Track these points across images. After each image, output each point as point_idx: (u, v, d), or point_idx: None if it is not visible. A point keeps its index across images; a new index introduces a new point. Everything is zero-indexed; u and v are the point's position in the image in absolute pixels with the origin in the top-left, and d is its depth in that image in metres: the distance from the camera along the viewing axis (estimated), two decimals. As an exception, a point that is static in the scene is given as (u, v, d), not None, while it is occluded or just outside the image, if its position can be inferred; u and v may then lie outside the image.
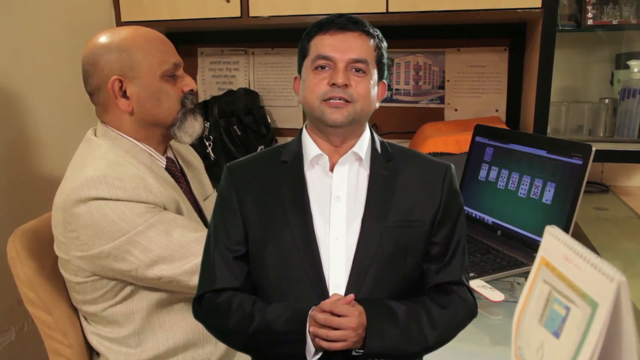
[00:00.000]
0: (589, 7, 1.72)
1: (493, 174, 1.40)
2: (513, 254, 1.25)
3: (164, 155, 1.20)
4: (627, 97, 1.72)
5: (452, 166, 0.91)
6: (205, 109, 1.95)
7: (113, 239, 1.02)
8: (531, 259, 1.19)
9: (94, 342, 1.17)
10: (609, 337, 0.43)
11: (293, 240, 0.85)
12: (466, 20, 1.80)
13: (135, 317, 1.13)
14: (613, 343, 0.44)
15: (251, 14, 1.77)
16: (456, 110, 2.02)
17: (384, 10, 1.66)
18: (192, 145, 1.32)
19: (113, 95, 1.11)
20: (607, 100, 1.81)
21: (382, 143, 0.91)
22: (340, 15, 0.86)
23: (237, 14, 1.78)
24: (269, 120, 2.13)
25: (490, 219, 1.38)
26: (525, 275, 1.03)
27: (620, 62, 1.80)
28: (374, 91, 0.87)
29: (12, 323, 1.58)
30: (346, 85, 0.83)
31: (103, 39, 1.12)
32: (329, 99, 0.83)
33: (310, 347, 0.81)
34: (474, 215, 1.43)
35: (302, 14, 1.72)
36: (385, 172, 0.88)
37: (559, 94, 1.83)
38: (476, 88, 1.99)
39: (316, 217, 0.86)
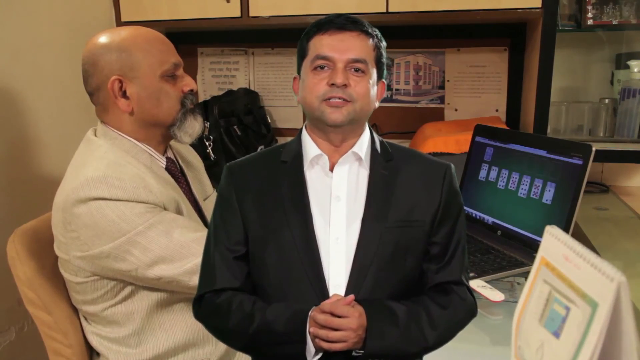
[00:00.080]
0: (589, 7, 1.72)
1: (493, 174, 1.40)
2: (513, 254, 1.25)
3: (164, 155, 1.20)
4: (627, 97, 1.72)
5: (452, 166, 0.91)
6: (205, 109, 1.95)
7: (113, 239, 1.02)
8: (531, 259, 1.19)
9: (94, 342, 1.17)
10: (609, 337, 0.43)
11: (293, 240, 0.85)
12: (466, 20, 1.80)
13: (135, 317, 1.13)
14: (613, 343, 0.44)
15: (251, 14, 1.77)
16: (456, 110, 2.02)
17: (384, 10, 1.66)
18: (192, 145, 1.32)
19: (113, 95, 1.11)
20: (607, 100, 1.81)
21: (381, 143, 0.91)
22: (339, 15, 0.86)
23: (237, 14, 1.78)
24: (269, 120, 2.13)
25: (490, 219, 1.38)
26: (525, 275, 1.03)
27: (620, 62, 1.80)
28: (374, 91, 0.87)
29: (12, 323, 1.58)
30: (345, 85, 0.83)
31: (103, 39, 1.12)
32: (329, 98, 0.83)
33: (310, 348, 0.81)
34: (474, 215, 1.43)
35: (302, 14, 1.72)
36: (385, 172, 0.88)
37: (559, 94, 1.83)
38: (476, 88, 1.99)
39: (316, 217, 0.86)
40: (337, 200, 0.86)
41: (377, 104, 0.90)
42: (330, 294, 0.84)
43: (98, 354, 1.19)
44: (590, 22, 1.72)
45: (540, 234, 0.56)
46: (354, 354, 0.82)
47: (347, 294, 0.83)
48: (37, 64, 1.68)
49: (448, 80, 2.02)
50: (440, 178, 0.89)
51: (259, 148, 1.97)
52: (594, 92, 1.87)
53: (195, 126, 1.18)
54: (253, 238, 0.87)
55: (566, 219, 1.17)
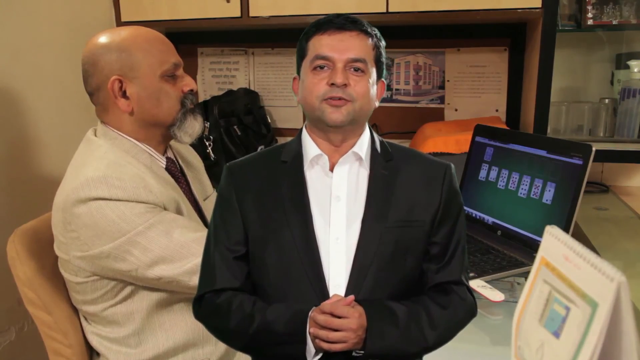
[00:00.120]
0: (589, 7, 1.72)
1: (493, 174, 1.40)
2: (513, 254, 1.25)
3: (164, 155, 1.20)
4: (627, 97, 1.72)
5: (452, 166, 0.91)
6: (205, 109, 1.95)
7: (113, 239, 1.02)
8: (531, 259, 1.19)
9: (94, 342, 1.17)
10: (609, 337, 0.43)
11: (293, 240, 0.85)
12: (466, 20, 1.80)
13: (135, 317, 1.13)
14: (613, 343, 0.44)
15: (251, 14, 1.77)
16: (456, 110, 2.02)
17: (384, 10, 1.66)
18: (192, 145, 1.32)
19: (113, 95, 1.11)
20: (607, 100, 1.81)
21: (381, 143, 0.91)
22: (338, 15, 0.86)
23: (237, 14, 1.78)
24: (269, 120, 2.13)
25: (490, 219, 1.38)
26: (525, 275, 1.03)
27: (621, 62, 1.80)
28: (373, 90, 0.87)
29: (12, 323, 1.58)
30: (345, 85, 0.83)
31: (103, 39, 1.12)
32: (329, 98, 0.83)
33: (310, 348, 0.81)
34: (474, 215, 1.43)
35: (302, 14, 1.72)
36: (385, 171, 0.88)
37: (559, 94, 1.83)
38: (476, 88, 1.99)
39: (316, 217, 0.86)
40: (337, 200, 0.86)
41: (377, 104, 0.90)
42: (330, 294, 0.84)
43: (98, 354, 1.19)
44: (590, 22, 1.72)
45: (540, 234, 0.56)
46: (354, 354, 0.82)
47: (347, 294, 0.83)
48: (37, 64, 1.68)
49: (448, 80, 2.02)
50: (440, 178, 0.89)
51: (259, 148, 1.97)
52: (594, 92, 1.87)
53: (195, 126, 1.18)
54: (253, 238, 0.87)
55: (566, 219, 1.17)
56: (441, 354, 0.87)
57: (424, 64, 2.03)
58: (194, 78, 2.22)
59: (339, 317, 0.79)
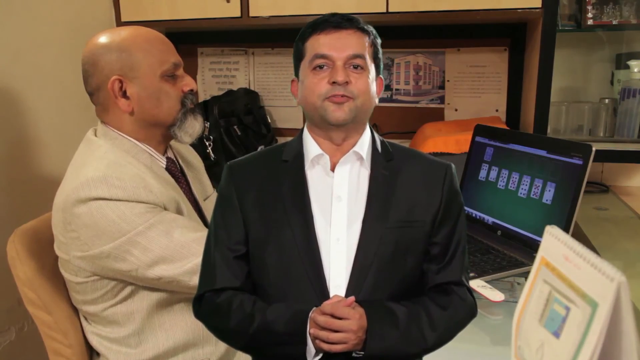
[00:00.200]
0: (589, 7, 1.72)
1: (493, 174, 1.40)
2: (513, 254, 1.25)
3: (164, 155, 1.20)
4: (627, 97, 1.72)
5: (453, 166, 0.91)
6: (205, 109, 1.95)
7: (113, 239, 1.02)
8: (531, 259, 1.19)
9: (94, 342, 1.17)
10: (609, 337, 0.43)
11: (294, 240, 0.85)
12: (466, 20, 1.80)
13: (135, 317, 1.13)
14: (613, 343, 0.44)
15: (251, 14, 1.77)
16: (456, 110, 2.02)
17: (384, 10, 1.66)
18: (192, 145, 1.32)
19: (113, 95, 1.11)
20: (607, 100, 1.81)
21: (382, 142, 0.91)
22: (334, 15, 0.86)
23: (237, 14, 1.78)
24: (269, 120, 2.13)
25: (490, 219, 1.38)
26: (525, 275, 1.03)
27: (621, 62, 1.80)
28: (373, 87, 0.87)
29: (12, 323, 1.58)
30: (347, 83, 0.83)
31: (103, 39, 1.12)
32: (331, 97, 0.83)
33: (310, 349, 0.81)
34: (474, 215, 1.43)
35: (302, 14, 1.72)
36: (385, 172, 0.88)
37: (559, 94, 1.83)
38: (476, 88, 1.99)
39: (317, 218, 0.86)
40: (339, 200, 0.86)
41: (376, 100, 0.90)
42: (331, 294, 0.84)
43: (98, 354, 1.19)
44: (590, 22, 1.72)
45: (540, 234, 0.56)
46: (354, 355, 0.82)
47: (347, 294, 0.83)
48: (37, 64, 1.68)
49: (448, 80, 2.02)
50: (441, 178, 0.89)
51: (259, 148, 1.96)
52: (594, 92, 1.87)
53: (195, 126, 1.18)
54: (253, 237, 0.87)
55: (566, 219, 1.17)
56: (441, 354, 0.87)
57: (424, 64, 2.03)
58: (194, 78, 2.21)
59: (340, 318, 0.79)
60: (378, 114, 2.05)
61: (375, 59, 0.88)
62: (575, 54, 1.87)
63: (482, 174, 1.44)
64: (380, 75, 0.91)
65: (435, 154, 1.60)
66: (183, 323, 1.15)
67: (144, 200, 1.04)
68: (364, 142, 0.88)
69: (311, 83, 0.85)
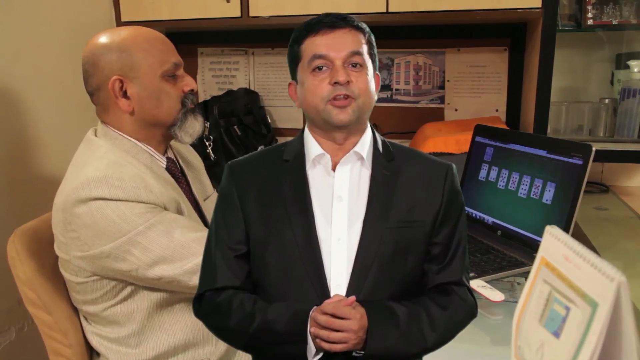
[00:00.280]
0: (589, 7, 1.72)
1: (493, 174, 1.40)
2: (513, 254, 1.25)
3: (164, 155, 1.20)
4: (627, 97, 1.72)
5: (454, 166, 0.91)
6: (205, 109, 1.95)
7: (113, 239, 1.02)
8: (531, 259, 1.19)
9: (94, 342, 1.17)
10: (609, 337, 0.43)
11: (294, 240, 0.85)
12: (466, 20, 1.80)
13: (135, 317, 1.13)
14: (613, 343, 0.44)
15: (251, 14, 1.77)
16: (456, 110, 2.02)
17: (384, 10, 1.66)
18: (192, 145, 1.32)
19: (113, 95, 1.11)
20: (607, 100, 1.81)
21: (383, 142, 0.91)
22: (327, 15, 0.86)
23: (237, 14, 1.78)
24: (269, 120, 2.13)
25: (490, 219, 1.38)
26: (525, 275, 1.03)
27: (621, 62, 1.80)
28: (372, 84, 0.87)
29: (12, 323, 1.58)
30: (348, 82, 0.83)
31: (103, 39, 1.12)
32: (333, 98, 0.83)
33: (311, 348, 0.81)
34: (474, 215, 1.43)
35: (302, 14, 1.72)
36: (386, 172, 0.88)
37: (559, 94, 1.83)
38: (476, 88, 1.99)
39: (318, 217, 0.86)
40: (339, 200, 0.86)
41: (376, 97, 0.90)
42: (331, 294, 0.84)
43: (98, 354, 1.19)
44: (590, 22, 1.72)
45: (540, 234, 0.56)
46: (354, 354, 0.82)
47: (348, 294, 0.83)
48: (37, 64, 1.68)
49: (448, 80, 2.02)
50: (442, 178, 0.89)
51: (259, 148, 1.96)
52: (594, 92, 1.87)
53: (195, 126, 1.18)
54: (254, 237, 0.87)
55: (566, 219, 1.17)
56: (441, 354, 0.87)
57: (424, 64, 2.03)
58: (194, 78, 2.21)
59: (341, 318, 0.79)
60: (378, 114, 2.06)
61: (372, 56, 0.88)
62: (575, 54, 1.87)
63: (482, 174, 1.44)
64: (377, 72, 0.91)
65: (435, 154, 1.60)
66: (183, 323, 1.15)
67: (144, 200, 1.04)
68: (365, 142, 0.88)
69: (312, 85, 0.85)
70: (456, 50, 1.99)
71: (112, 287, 1.10)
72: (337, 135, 0.87)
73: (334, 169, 0.87)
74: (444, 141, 1.65)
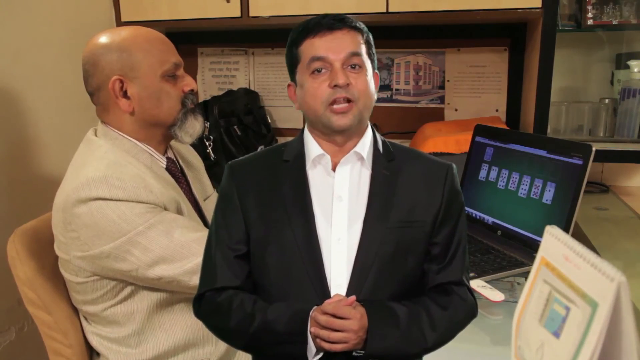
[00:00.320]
0: (589, 7, 1.72)
1: (493, 174, 1.40)
2: (513, 254, 1.25)
3: (164, 155, 1.20)
4: (627, 97, 1.72)
5: (454, 166, 0.91)
6: (205, 109, 1.95)
7: (113, 239, 1.02)
8: (531, 259, 1.19)
9: (94, 342, 1.17)
10: (609, 337, 0.43)
11: (294, 240, 0.85)
12: (466, 20, 1.80)
13: (135, 317, 1.13)
14: (613, 343, 0.44)
15: (251, 14, 1.77)
16: (456, 110, 2.02)
17: (384, 10, 1.66)
18: (192, 145, 1.32)
19: (114, 95, 1.11)
20: (607, 100, 1.81)
21: (384, 142, 0.91)
22: (324, 16, 0.85)
23: (237, 14, 1.78)
24: (269, 120, 2.13)
25: (490, 219, 1.38)
26: (525, 275, 1.03)
27: (621, 62, 1.80)
28: (372, 84, 0.87)
29: (12, 323, 1.58)
30: (347, 85, 0.83)
31: (103, 39, 1.12)
32: (333, 102, 0.83)
33: (311, 348, 0.81)
34: (474, 215, 1.43)
35: (302, 14, 1.72)
36: (386, 172, 0.88)
37: (559, 94, 1.83)
38: (476, 88, 1.99)
39: (318, 217, 0.86)
40: (340, 200, 0.86)
41: (375, 97, 0.89)
42: (332, 294, 0.84)
43: (98, 354, 1.19)
44: (590, 22, 1.72)
45: (540, 234, 0.56)
46: (354, 354, 0.82)
47: (348, 294, 0.83)
48: (37, 64, 1.68)
49: (448, 80, 2.02)
50: (442, 178, 0.89)
51: (259, 148, 1.97)
52: (594, 92, 1.87)
53: (195, 126, 1.18)
54: (254, 237, 0.87)
55: (566, 219, 1.17)
56: (441, 354, 0.87)
57: (424, 64, 2.03)
58: (194, 78, 2.21)
59: (341, 318, 0.79)
60: (378, 114, 2.05)
61: (370, 56, 0.88)
62: (575, 54, 1.86)
63: (482, 174, 1.44)
64: (376, 71, 0.91)
65: (435, 154, 1.59)
66: (183, 323, 1.15)
67: (144, 201, 1.04)
68: (366, 143, 0.88)
69: (311, 88, 0.84)
70: (456, 50, 1.99)
71: (112, 287, 1.10)
72: (338, 138, 0.87)
73: (334, 169, 0.87)
74: (444, 141, 1.65)
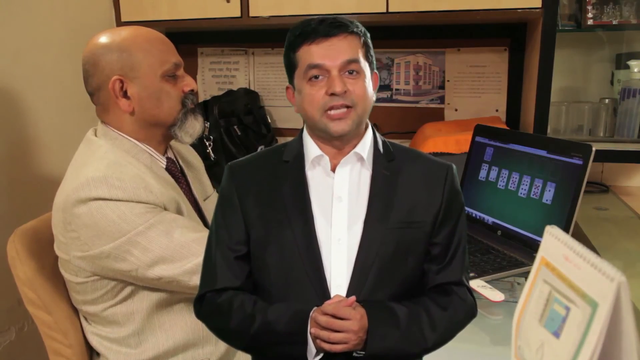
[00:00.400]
0: (589, 7, 1.72)
1: (493, 174, 1.40)
2: (513, 254, 1.25)
3: (164, 155, 1.20)
4: (627, 97, 1.72)
5: (454, 166, 0.91)
6: (205, 109, 1.95)
7: (113, 239, 1.02)
8: (531, 259, 1.19)
9: (94, 342, 1.17)
10: (609, 337, 0.43)
11: (294, 241, 0.85)
12: (466, 20, 1.80)
13: (135, 317, 1.13)
14: (613, 343, 0.44)
15: (251, 14, 1.77)
16: (456, 110, 2.02)
17: (384, 10, 1.66)
18: (192, 145, 1.32)
19: (114, 95, 1.11)
20: (607, 100, 1.81)
21: (384, 142, 0.91)
22: (321, 21, 0.84)
23: (237, 14, 1.78)
24: (269, 120, 2.13)
25: (490, 219, 1.38)
26: (525, 275, 1.03)
27: (621, 62, 1.80)
28: (370, 87, 0.86)
29: (12, 323, 1.58)
30: (345, 92, 0.82)
31: (103, 39, 1.12)
32: (330, 109, 0.83)
33: (311, 348, 0.81)
34: (474, 215, 1.43)
35: (302, 14, 1.72)
36: (387, 172, 0.88)
37: (559, 94, 1.83)
38: (476, 88, 1.99)
39: (318, 218, 0.86)
40: (339, 201, 0.86)
41: (374, 98, 0.89)
42: (332, 294, 0.84)
43: (98, 354, 1.19)
44: (590, 22, 1.72)
45: (540, 234, 0.56)
46: (354, 354, 0.82)
47: (348, 294, 0.83)
48: (37, 64, 1.68)
49: (448, 80, 2.02)
50: (442, 179, 0.89)
51: (259, 148, 1.97)
52: (594, 92, 1.87)
53: (195, 126, 1.18)
54: (254, 238, 0.87)
55: (566, 219, 1.17)
56: (441, 354, 0.87)
57: (424, 64, 2.03)
58: (194, 78, 2.21)
59: (341, 319, 0.79)
60: (378, 114, 2.05)
61: (369, 58, 0.87)
62: (575, 54, 1.86)
63: (482, 174, 1.44)
64: (375, 71, 0.90)
65: (435, 154, 1.59)
66: (183, 323, 1.15)
67: (144, 201, 1.04)
68: (366, 143, 0.88)
69: (308, 95, 0.84)
70: (456, 50, 1.99)
71: (112, 287, 1.10)
72: (336, 142, 0.86)
73: (333, 169, 0.87)
74: (444, 141, 1.65)
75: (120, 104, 1.11)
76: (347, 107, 0.83)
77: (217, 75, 2.24)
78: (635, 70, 1.72)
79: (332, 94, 0.82)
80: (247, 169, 0.91)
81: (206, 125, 1.85)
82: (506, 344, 0.80)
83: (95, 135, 1.15)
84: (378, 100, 0.88)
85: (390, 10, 1.66)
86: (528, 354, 0.53)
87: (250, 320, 0.84)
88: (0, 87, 1.56)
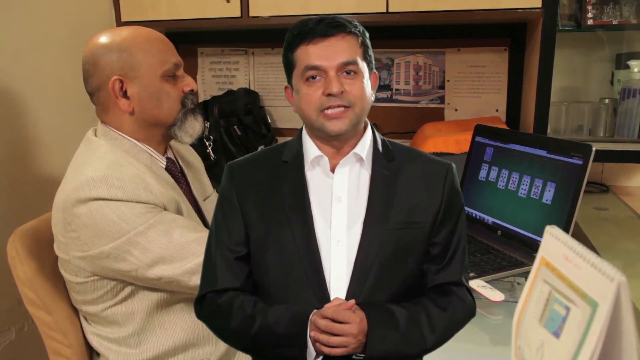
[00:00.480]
0: (589, 7, 1.72)
1: (493, 174, 1.40)
2: (513, 254, 1.25)
3: (164, 155, 1.20)
4: (627, 97, 1.72)
5: (454, 166, 0.90)
6: (205, 109, 1.95)
7: (113, 239, 1.02)
8: (531, 259, 1.19)
9: (94, 342, 1.17)
10: (609, 337, 0.43)
11: (293, 241, 0.84)
12: (466, 20, 1.80)
13: (135, 317, 1.13)
14: (613, 343, 0.44)
15: (251, 14, 1.77)
16: (456, 110, 2.02)
17: (384, 10, 1.66)
18: (192, 145, 1.32)
19: (114, 95, 1.11)
20: (607, 100, 1.81)
21: (383, 142, 0.91)
22: (319, 21, 0.84)
23: (237, 14, 1.78)
24: (269, 120, 2.13)
25: (490, 219, 1.38)
26: (525, 275, 1.03)
27: (621, 62, 1.80)
28: (368, 87, 0.86)
29: (12, 323, 1.58)
30: (342, 92, 0.82)
31: (103, 39, 1.12)
32: (327, 108, 0.82)
33: (311, 351, 0.81)
34: (474, 215, 1.43)
35: (302, 14, 1.71)
36: (386, 172, 0.88)
37: (559, 94, 1.83)
38: (476, 88, 1.99)
39: (317, 219, 0.85)
40: (339, 201, 0.86)
41: (373, 97, 0.88)
42: (331, 296, 0.84)
43: (98, 354, 1.19)
44: (590, 22, 1.72)
45: (540, 234, 0.56)
46: (354, 357, 0.82)
47: (348, 296, 0.83)
48: (37, 64, 1.68)
49: (448, 80, 2.02)
50: (442, 178, 0.88)
51: (259, 148, 1.96)
52: (594, 92, 1.87)
53: (195, 126, 1.18)
54: (254, 238, 0.87)
55: (566, 219, 1.17)
56: (441, 354, 0.87)
57: (424, 64, 2.03)
58: (194, 78, 2.21)
59: (341, 322, 0.79)
60: (378, 114, 2.05)
61: (367, 58, 0.86)
62: (575, 54, 1.86)
63: (482, 174, 1.44)
64: (374, 71, 0.89)
65: (435, 154, 1.59)
66: (183, 323, 1.15)
67: (144, 201, 1.04)
68: (365, 143, 0.88)
69: (306, 95, 0.84)
70: (456, 50, 1.99)
71: (111, 287, 1.10)
72: (334, 142, 0.86)
73: (332, 170, 0.87)
74: (444, 141, 1.65)
75: (120, 104, 1.11)
76: (345, 107, 0.83)
77: (217, 75, 2.24)
78: (635, 70, 1.72)
79: (329, 95, 0.82)
80: (247, 169, 0.91)
81: (206, 125, 1.85)
82: (506, 344, 0.80)
83: (95, 135, 1.15)
84: (378, 100, 0.88)
85: (390, 10, 1.66)
86: (528, 354, 0.53)
87: (250, 321, 0.83)
88: (0, 87, 1.56)
